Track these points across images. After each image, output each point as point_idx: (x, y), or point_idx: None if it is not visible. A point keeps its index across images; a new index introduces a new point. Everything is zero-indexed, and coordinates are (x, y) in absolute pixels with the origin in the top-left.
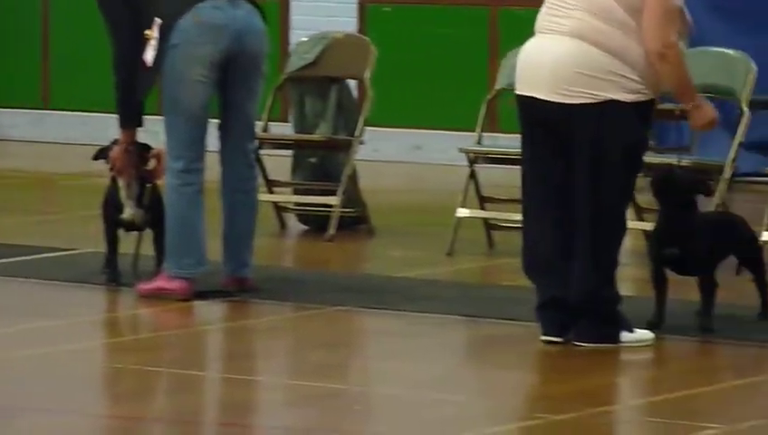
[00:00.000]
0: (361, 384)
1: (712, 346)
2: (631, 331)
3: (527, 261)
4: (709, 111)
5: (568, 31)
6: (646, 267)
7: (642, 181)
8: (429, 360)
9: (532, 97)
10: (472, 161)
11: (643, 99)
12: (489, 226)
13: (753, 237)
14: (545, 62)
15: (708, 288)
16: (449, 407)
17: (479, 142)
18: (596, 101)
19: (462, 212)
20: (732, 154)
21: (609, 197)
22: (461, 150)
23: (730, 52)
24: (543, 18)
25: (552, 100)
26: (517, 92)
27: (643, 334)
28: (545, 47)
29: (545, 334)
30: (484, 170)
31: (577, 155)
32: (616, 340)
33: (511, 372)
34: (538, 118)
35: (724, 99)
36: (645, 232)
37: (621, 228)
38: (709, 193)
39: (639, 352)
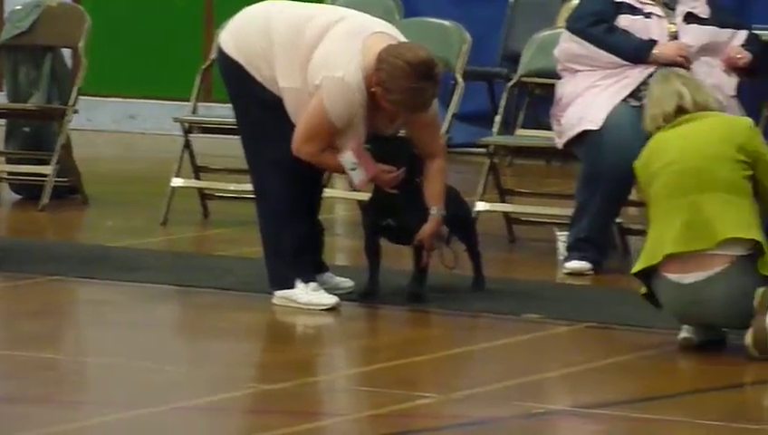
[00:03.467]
0: (76, 354)
1: (424, 316)
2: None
3: None
4: (382, 180)
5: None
6: (360, 238)
7: None
8: (143, 329)
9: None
10: (187, 131)
11: None
12: (204, 195)
13: (466, 208)
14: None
15: (421, 257)
16: (163, 376)
17: (194, 112)
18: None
19: (176, 182)
20: (446, 125)
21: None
22: (176, 120)
23: (444, 22)
24: None
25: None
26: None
27: (324, 297)
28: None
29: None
30: (198, 140)
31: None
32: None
33: (224, 341)
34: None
35: None
36: (359, 202)
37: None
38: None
39: (353, 322)
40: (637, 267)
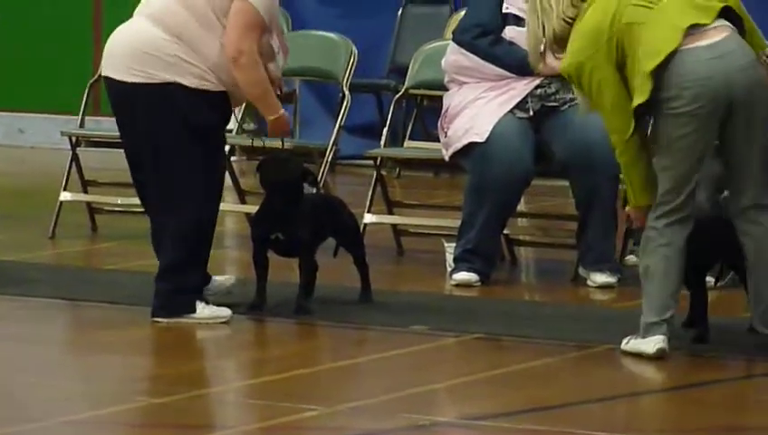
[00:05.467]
0: None
1: (311, 328)
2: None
3: (152, 235)
4: (284, 122)
5: (149, 13)
6: (249, 250)
7: (246, 165)
8: (30, 344)
9: (107, 77)
10: (74, 145)
11: (211, 88)
12: (92, 209)
13: (353, 221)
14: (119, 42)
15: (309, 270)
16: (50, 390)
17: (82, 126)
18: (155, 81)
19: (65, 196)
20: (333, 137)
21: (175, 186)
22: (63, 134)
23: (331, 35)
24: (139, 5)
25: (118, 78)
26: (102, 73)
27: (220, 310)
28: (127, 27)
29: None
30: (86, 154)
31: (142, 136)
32: (191, 311)
33: (113, 355)
34: (113, 98)
35: (326, 82)
36: (247, 215)
37: (197, 220)
38: (315, 185)
39: (240, 334)
40: (651, 64)
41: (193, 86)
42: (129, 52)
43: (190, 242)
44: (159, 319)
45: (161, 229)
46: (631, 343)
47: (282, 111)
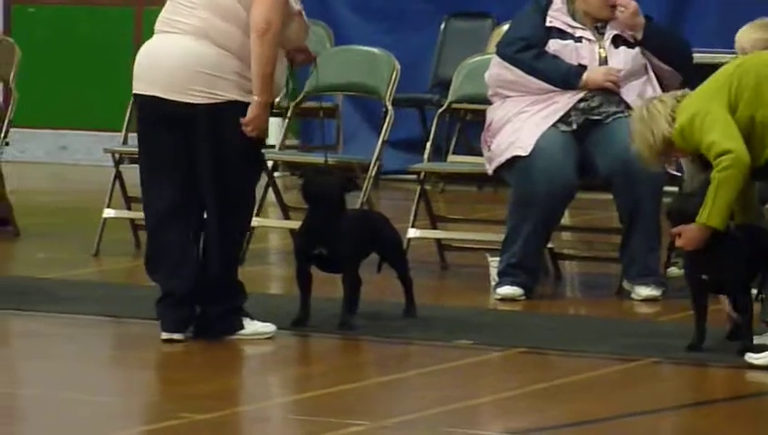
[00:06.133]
0: (6, 386)
1: (355, 343)
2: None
3: (150, 258)
4: (268, 113)
5: (191, 30)
6: (292, 266)
7: (290, 180)
8: (75, 360)
9: (153, 96)
10: (117, 162)
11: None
12: (135, 226)
13: (396, 236)
14: (165, 60)
15: (352, 285)
16: (95, 407)
17: (125, 142)
18: (216, 101)
19: (108, 212)
20: (377, 152)
21: (233, 195)
22: (106, 151)
23: (374, 50)
24: (165, 17)
25: (173, 99)
26: (136, 91)
27: (264, 326)
28: (167, 46)
29: (165, 331)
30: (129, 171)
31: (199, 154)
32: (239, 330)
33: (156, 371)
34: (159, 117)
35: (369, 97)
36: (291, 230)
37: (245, 227)
38: (357, 187)
39: (285, 350)
40: None
41: (248, 101)
42: (184, 72)
43: (237, 257)
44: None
45: (207, 246)
46: None
47: (268, 97)
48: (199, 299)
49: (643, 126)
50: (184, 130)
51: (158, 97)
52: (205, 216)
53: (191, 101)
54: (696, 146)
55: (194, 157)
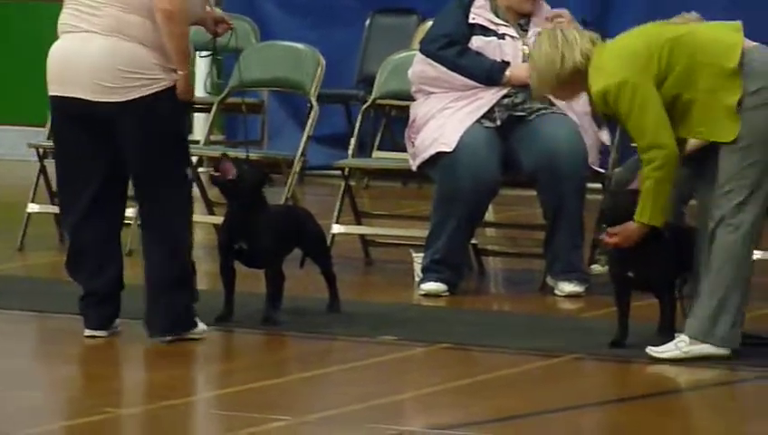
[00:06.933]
0: None
1: (279, 339)
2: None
3: (71, 260)
4: (192, 84)
5: (102, 28)
6: (216, 261)
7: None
8: (1, 355)
9: (74, 98)
10: (41, 157)
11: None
12: (59, 221)
13: (320, 231)
14: (83, 61)
15: (275, 280)
16: (19, 402)
17: (49, 138)
18: (141, 94)
19: (32, 207)
20: (302, 148)
21: (167, 188)
22: (30, 146)
23: (299, 45)
24: (69, 17)
25: (96, 99)
26: (53, 93)
27: (201, 327)
28: (81, 47)
29: (88, 328)
30: (54, 166)
31: (127, 151)
32: (189, 329)
33: (80, 366)
34: (77, 117)
35: (294, 93)
36: (215, 226)
37: (186, 217)
38: (271, 182)
39: (208, 345)
40: (734, 60)
41: (171, 85)
42: (105, 72)
43: (187, 254)
44: (167, 337)
45: (150, 243)
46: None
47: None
48: (151, 296)
49: (554, 50)
50: (105, 129)
51: (79, 98)
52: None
53: (116, 100)
54: (617, 114)
55: (118, 155)
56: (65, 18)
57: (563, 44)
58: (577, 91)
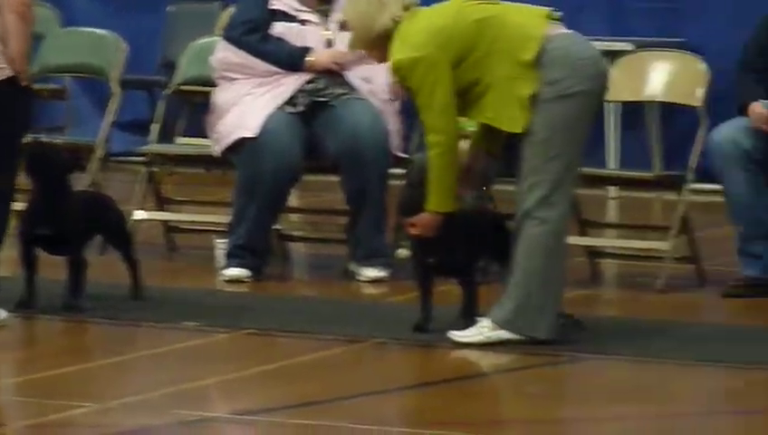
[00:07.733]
0: None
1: (81, 325)
2: None
3: None
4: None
5: None
6: (16, 247)
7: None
8: None
9: None
10: None
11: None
12: None
13: (120, 217)
14: None
15: (77, 267)
16: None
17: None
18: None
19: None
20: (104, 134)
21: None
22: None
23: (101, 31)
24: None
25: None
26: None
27: (2, 314)
28: None
29: None
30: None
31: None
32: None
33: None
34: None
35: (96, 78)
36: (17, 211)
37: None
38: (82, 169)
39: (9, 332)
40: (531, 52)
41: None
42: None
43: None
44: None
45: None
46: None
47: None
48: None
49: (367, 8)
50: None
51: None
52: None
53: None
54: (407, 87)
55: None
56: None
57: (377, 4)
58: (375, 58)
